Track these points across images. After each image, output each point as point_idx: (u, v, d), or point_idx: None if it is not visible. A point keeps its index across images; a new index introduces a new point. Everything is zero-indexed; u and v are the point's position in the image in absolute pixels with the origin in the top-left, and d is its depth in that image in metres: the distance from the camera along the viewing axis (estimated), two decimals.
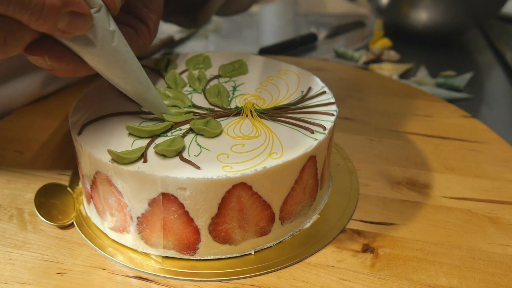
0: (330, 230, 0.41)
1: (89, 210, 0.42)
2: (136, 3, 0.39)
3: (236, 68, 0.48)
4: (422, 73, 0.72)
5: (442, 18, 0.76)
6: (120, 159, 0.35)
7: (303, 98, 0.43)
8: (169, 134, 0.38)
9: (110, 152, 0.35)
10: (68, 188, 0.45)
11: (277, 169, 0.36)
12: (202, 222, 0.36)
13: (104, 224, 0.40)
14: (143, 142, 0.37)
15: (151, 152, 0.36)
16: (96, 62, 0.33)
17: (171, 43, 0.81)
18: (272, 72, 0.48)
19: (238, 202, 0.36)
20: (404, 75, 0.72)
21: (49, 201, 0.43)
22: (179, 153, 0.36)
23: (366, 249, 0.40)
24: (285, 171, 0.36)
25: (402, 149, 0.52)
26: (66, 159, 0.49)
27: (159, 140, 0.37)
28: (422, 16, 0.77)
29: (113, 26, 0.33)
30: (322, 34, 0.84)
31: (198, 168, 0.35)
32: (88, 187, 0.39)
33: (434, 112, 0.58)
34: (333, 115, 0.41)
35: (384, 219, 0.43)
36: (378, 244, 0.40)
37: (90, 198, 0.40)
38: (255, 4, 0.95)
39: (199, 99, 0.43)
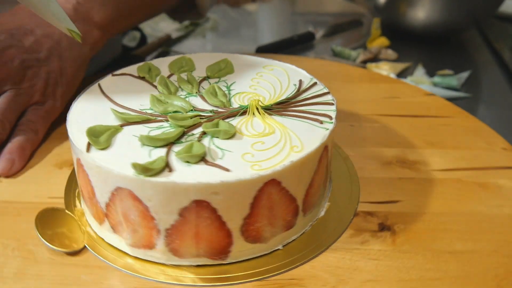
0: (344, 215, 0.42)
1: (100, 231, 0.40)
2: None
3: (223, 68, 0.47)
4: (420, 72, 0.72)
5: (439, 17, 0.77)
6: (146, 170, 0.33)
7: (299, 91, 0.44)
8: (183, 140, 0.37)
9: (134, 165, 0.33)
10: (67, 211, 0.42)
11: (301, 161, 0.36)
12: (235, 224, 0.36)
13: (123, 242, 0.38)
14: (160, 151, 0.36)
15: (172, 160, 0.35)
16: None
17: (168, 42, 0.80)
18: (258, 68, 0.48)
19: (269, 199, 0.36)
20: (401, 74, 0.72)
21: (51, 228, 0.40)
22: (203, 158, 0.35)
23: (383, 227, 0.41)
24: (307, 163, 0.37)
25: (382, 130, 0.54)
26: (54, 182, 0.46)
27: (176, 148, 0.36)
28: (419, 15, 0.77)
29: None
30: (319, 33, 0.83)
31: (228, 170, 0.34)
32: (103, 206, 0.37)
33: (399, 93, 0.61)
34: (332, 104, 0.42)
35: (388, 197, 0.45)
36: (391, 221, 0.42)
37: (104, 217, 0.38)
38: (253, 3, 0.94)
39: (197, 102, 0.42)
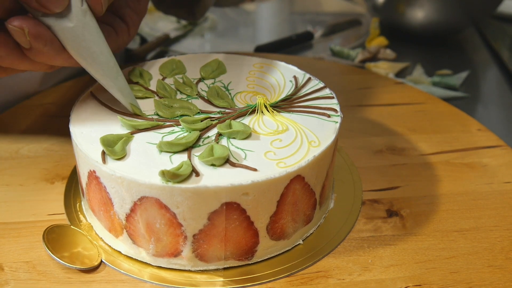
0: (353, 205, 0.44)
1: (116, 244, 0.38)
2: (118, 1, 0.39)
3: (215, 69, 0.47)
4: (418, 72, 0.72)
5: (438, 17, 0.77)
6: (174, 177, 0.33)
7: (298, 88, 0.45)
8: (200, 143, 0.37)
9: (163, 172, 0.32)
10: (73, 227, 0.40)
11: (321, 156, 0.37)
12: (262, 223, 0.36)
13: (143, 253, 0.37)
14: (181, 157, 0.35)
15: (196, 164, 0.35)
16: (68, 39, 0.34)
17: (166, 41, 0.78)
18: (249, 67, 0.48)
19: (294, 195, 0.36)
20: (400, 74, 0.72)
21: (60, 246, 0.38)
22: (227, 160, 0.35)
23: (390, 213, 0.43)
24: (326, 157, 0.38)
25: (364, 120, 0.56)
26: (49, 198, 0.43)
27: (195, 151, 0.36)
28: (418, 14, 0.77)
29: (85, 5, 0.34)
30: (318, 33, 0.83)
31: (255, 170, 0.34)
32: (123, 217, 0.36)
33: (371, 84, 0.64)
34: (332, 97, 0.43)
35: (388, 184, 0.46)
36: (397, 207, 0.44)
37: (122, 229, 0.36)
38: (252, 2, 0.92)
39: (200, 104, 0.42)
